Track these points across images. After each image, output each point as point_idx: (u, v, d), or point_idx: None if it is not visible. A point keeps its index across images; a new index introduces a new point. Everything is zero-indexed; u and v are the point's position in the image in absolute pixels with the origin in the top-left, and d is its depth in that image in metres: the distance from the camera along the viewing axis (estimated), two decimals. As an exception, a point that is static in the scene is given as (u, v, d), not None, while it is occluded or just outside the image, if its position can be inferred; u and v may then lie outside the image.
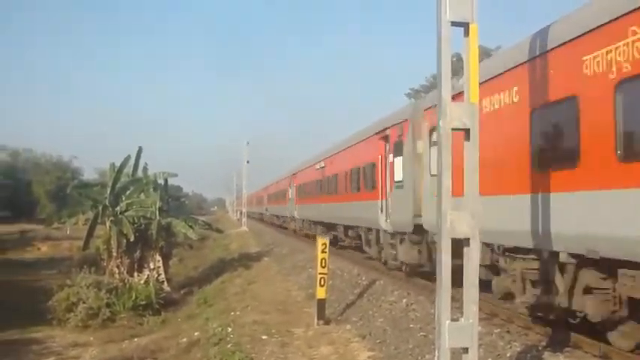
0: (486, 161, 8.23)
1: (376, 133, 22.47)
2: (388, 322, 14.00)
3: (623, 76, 8.59)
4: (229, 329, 15.65)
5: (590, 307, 9.78)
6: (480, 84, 7.26)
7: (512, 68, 11.80)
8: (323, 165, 34.71)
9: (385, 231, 21.22)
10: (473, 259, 6.81)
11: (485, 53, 39.32)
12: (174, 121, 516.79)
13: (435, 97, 9.05)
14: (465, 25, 6.89)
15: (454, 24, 6.83)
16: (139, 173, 29.51)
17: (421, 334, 12.35)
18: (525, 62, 11.25)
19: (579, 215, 9.58)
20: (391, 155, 20.65)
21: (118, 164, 28.66)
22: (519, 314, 12.92)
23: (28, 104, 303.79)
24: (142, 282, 26.54)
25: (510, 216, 11.68)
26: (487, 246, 12.93)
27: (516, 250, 11.78)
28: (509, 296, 12.71)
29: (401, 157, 19.53)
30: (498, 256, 12.69)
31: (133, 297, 24.14)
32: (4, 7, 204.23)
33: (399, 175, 19.78)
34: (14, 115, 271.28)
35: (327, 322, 15.11)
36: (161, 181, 30.40)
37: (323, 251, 15.04)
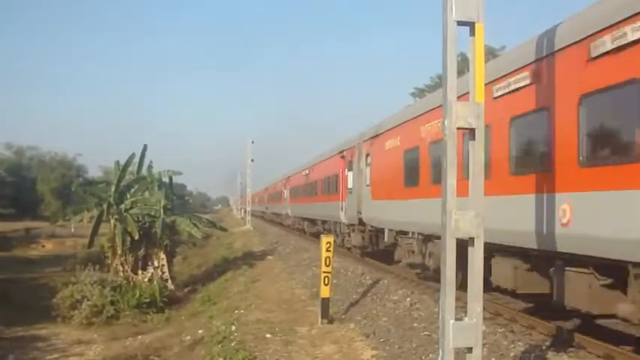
0: (385, 179, 21.25)
1: (338, 153, 30.67)
2: (392, 322, 14.01)
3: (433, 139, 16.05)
4: (233, 327, 15.65)
5: (432, 264, 16.80)
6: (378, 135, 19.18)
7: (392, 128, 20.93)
8: (307, 172, 42.63)
9: (343, 223, 29.14)
10: (477, 259, 6.81)
11: (490, 53, 39.26)
12: (179, 119, 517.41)
13: (370, 129, 23.63)
14: (471, 25, 6.87)
15: (460, 23, 6.81)
16: (144, 171, 29.58)
17: (425, 333, 12.36)
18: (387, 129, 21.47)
19: (423, 213, 16.48)
20: (347, 170, 28.63)
21: (122, 162, 28.71)
22: (522, 314, 12.94)
23: (33, 102, 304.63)
24: (146, 280, 26.61)
25: (398, 212, 19.63)
26: (391, 230, 20.99)
27: (403, 233, 19.48)
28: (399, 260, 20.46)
29: (352, 172, 27.29)
30: (396, 237, 20.37)
31: (137, 295, 24.21)
32: (10, 3, 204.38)
33: (350, 184, 27.44)
34: (19, 113, 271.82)
35: (331, 321, 15.12)
36: (165, 180, 30.47)
37: (327, 250, 15.05)
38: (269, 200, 79.09)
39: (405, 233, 19.13)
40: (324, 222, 35.90)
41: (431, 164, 16.10)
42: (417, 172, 17.60)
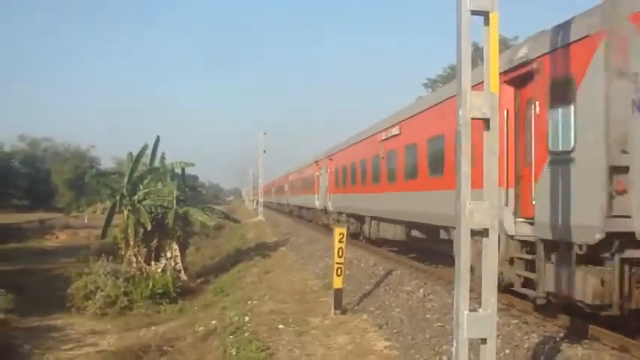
0: (333, 181, 36.01)
1: (315, 162, 43.67)
2: (405, 312, 13.99)
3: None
4: (246, 318, 15.70)
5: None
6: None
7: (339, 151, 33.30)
8: (299, 172, 55.36)
9: (317, 209, 42.55)
10: (491, 250, 6.77)
11: (503, 43, 38.97)
12: (193, 111, 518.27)
13: (333, 147, 37.52)
14: (485, 14, 6.81)
15: (474, 12, 6.74)
16: (157, 163, 29.62)
17: (438, 324, 12.33)
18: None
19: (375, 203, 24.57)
20: (320, 173, 41.32)
21: (135, 153, 28.78)
22: (537, 306, 12.89)
23: (48, 94, 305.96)
24: (159, 271, 26.68)
25: (351, 201, 29.84)
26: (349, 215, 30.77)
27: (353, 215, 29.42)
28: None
29: (324, 174, 39.13)
30: (349, 217, 30.58)
31: (150, 285, 24.30)
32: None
33: (322, 184, 40.13)
34: (34, 105, 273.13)
35: (344, 312, 15.13)
36: (178, 171, 30.54)
37: (340, 241, 15.04)
38: (276, 193, 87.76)
39: (342, 213, 32.74)
40: (308, 209, 50.28)
41: (350, 175, 30.94)
42: (347, 178, 31.69)
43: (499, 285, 8.98)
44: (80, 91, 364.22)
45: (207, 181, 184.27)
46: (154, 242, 27.53)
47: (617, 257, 9.65)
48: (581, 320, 11.14)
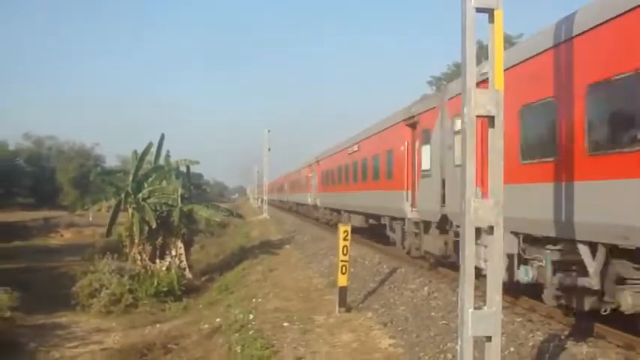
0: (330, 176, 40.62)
1: (308, 166, 50.84)
2: (410, 310, 13.98)
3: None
4: (251, 316, 15.72)
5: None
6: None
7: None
8: (298, 172, 62.22)
9: (310, 205, 50.47)
10: (496, 248, 6.76)
11: (508, 41, 38.88)
12: (196, 109, 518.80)
13: (320, 154, 46.02)
14: (490, 12, 6.79)
15: (479, 10, 6.73)
16: (161, 161, 29.64)
17: (443, 322, 12.33)
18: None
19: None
20: (311, 175, 49.25)
21: (140, 152, 28.80)
22: (541, 303, 12.89)
23: (52, 92, 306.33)
24: (164, 269, 26.72)
25: (333, 199, 37.60)
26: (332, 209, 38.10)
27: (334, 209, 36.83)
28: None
29: (314, 176, 46.66)
30: (332, 211, 38.20)
31: (155, 283, 24.33)
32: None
33: (312, 184, 46.97)
34: (38, 104, 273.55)
35: (349, 310, 15.14)
36: (183, 169, 30.56)
37: (345, 239, 15.03)
38: (278, 191, 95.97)
39: (327, 208, 42.24)
40: (303, 205, 59.34)
41: (331, 177, 37.48)
42: (329, 180, 39.17)
43: (404, 247, 21.73)
44: (85, 90, 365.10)
45: (211, 179, 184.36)
46: (159, 240, 27.58)
47: (453, 229, 16.27)
48: (587, 318, 11.14)
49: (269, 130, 70.42)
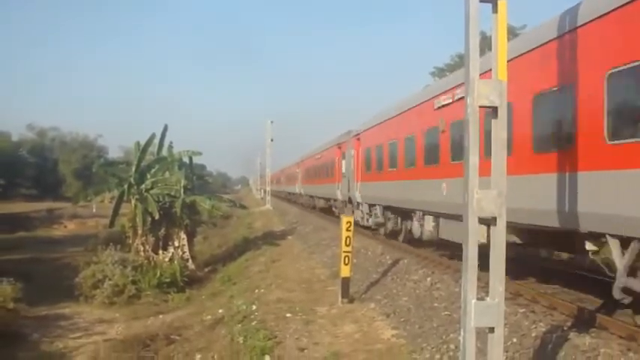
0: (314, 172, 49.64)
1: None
2: (412, 301, 13.98)
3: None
4: (254, 307, 15.74)
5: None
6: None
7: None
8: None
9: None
10: (499, 238, 6.74)
11: (511, 32, 38.70)
12: (199, 100, 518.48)
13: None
14: (494, 2, 6.75)
15: (482, 0, 6.69)
16: (164, 152, 29.65)
17: (445, 313, 12.33)
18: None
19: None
20: (298, 170, 61.03)
21: (143, 143, 28.80)
22: (543, 294, 12.88)
23: (55, 83, 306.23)
24: (167, 260, 26.80)
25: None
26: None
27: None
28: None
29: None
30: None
31: (158, 274, 24.41)
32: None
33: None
34: (41, 95, 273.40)
35: (351, 301, 15.15)
36: (186, 160, 30.59)
37: (347, 229, 15.03)
38: (286, 181, 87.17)
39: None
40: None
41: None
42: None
43: (357, 223, 22.53)
44: (87, 81, 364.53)
45: (214, 171, 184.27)
46: (162, 231, 27.63)
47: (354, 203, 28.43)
48: (589, 309, 11.13)
49: (272, 121, 70.45)
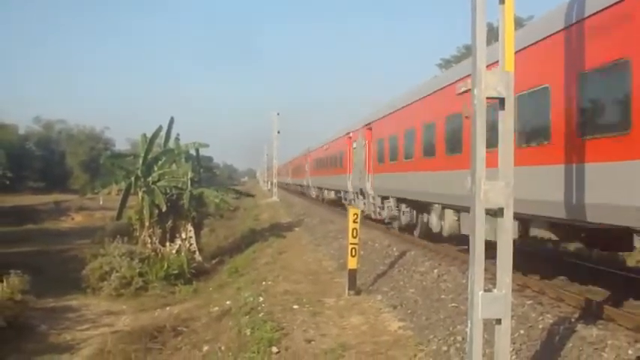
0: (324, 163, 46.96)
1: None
2: (419, 293, 13.98)
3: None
4: (261, 299, 15.74)
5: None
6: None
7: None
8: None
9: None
10: (507, 230, 6.72)
11: (518, 23, 38.48)
12: (207, 93, 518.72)
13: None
14: (501, -8, 6.72)
15: (489, -10, 6.66)
16: (171, 144, 29.66)
17: (452, 304, 12.31)
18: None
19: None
20: (307, 161, 59.33)
21: (149, 135, 28.81)
22: (550, 286, 12.85)
23: (63, 76, 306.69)
24: (174, 252, 26.85)
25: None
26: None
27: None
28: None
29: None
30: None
31: (165, 266, 24.45)
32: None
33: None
34: (49, 87, 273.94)
35: (358, 293, 15.15)
36: (193, 152, 30.59)
37: (354, 221, 15.02)
38: (293, 173, 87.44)
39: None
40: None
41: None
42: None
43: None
44: (94, 74, 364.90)
45: (221, 162, 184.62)
46: (169, 223, 27.68)
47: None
48: (597, 301, 11.11)
49: (278, 113, 70.47)
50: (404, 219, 22.90)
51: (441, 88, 18.04)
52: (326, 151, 45.81)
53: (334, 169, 40.83)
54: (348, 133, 34.62)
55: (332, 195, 44.85)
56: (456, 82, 14.29)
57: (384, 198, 25.35)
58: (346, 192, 36.23)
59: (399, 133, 22.70)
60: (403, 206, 22.86)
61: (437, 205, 18.51)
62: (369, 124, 28.19)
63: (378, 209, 26.56)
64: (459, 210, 16.76)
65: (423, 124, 19.61)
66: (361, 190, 29.84)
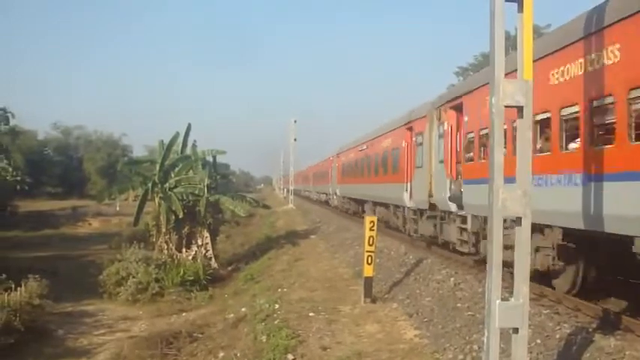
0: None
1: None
2: (435, 301, 13.92)
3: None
4: (276, 306, 15.76)
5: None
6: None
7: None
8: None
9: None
10: (524, 239, 6.70)
11: (536, 32, 38.34)
12: (224, 99, 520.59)
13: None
14: (519, 1, 6.72)
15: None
16: (188, 150, 29.78)
17: (469, 313, 12.26)
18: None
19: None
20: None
21: (166, 141, 28.94)
22: (568, 296, 12.77)
23: (80, 83, 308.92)
24: (190, 258, 26.93)
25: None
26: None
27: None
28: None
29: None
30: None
31: (181, 272, 24.50)
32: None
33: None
34: (67, 94, 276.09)
35: (374, 301, 15.11)
36: (209, 159, 30.68)
37: (371, 229, 14.99)
38: (303, 181, 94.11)
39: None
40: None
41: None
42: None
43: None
44: (112, 80, 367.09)
45: (238, 169, 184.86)
46: (185, 230, 27.77)
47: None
48: (614, 311, 11.02)
49: (295, 121, 70.54)
50: (352, 208, 42.35)
51: (354, 147, 40.29)
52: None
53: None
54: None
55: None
56: (357, 145, 36.86)
57: (344, 197, 28.46)
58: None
59: (347, 162, 39.84)
60: (351, 202, 38.42)
61: (370, 202, 33.75)
62: (338, 154, 29.33)
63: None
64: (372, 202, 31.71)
65: (355, 160, 40.36)
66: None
